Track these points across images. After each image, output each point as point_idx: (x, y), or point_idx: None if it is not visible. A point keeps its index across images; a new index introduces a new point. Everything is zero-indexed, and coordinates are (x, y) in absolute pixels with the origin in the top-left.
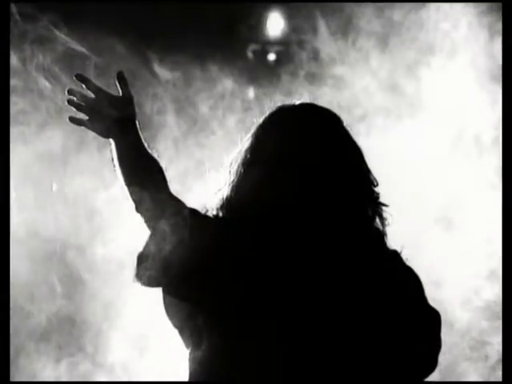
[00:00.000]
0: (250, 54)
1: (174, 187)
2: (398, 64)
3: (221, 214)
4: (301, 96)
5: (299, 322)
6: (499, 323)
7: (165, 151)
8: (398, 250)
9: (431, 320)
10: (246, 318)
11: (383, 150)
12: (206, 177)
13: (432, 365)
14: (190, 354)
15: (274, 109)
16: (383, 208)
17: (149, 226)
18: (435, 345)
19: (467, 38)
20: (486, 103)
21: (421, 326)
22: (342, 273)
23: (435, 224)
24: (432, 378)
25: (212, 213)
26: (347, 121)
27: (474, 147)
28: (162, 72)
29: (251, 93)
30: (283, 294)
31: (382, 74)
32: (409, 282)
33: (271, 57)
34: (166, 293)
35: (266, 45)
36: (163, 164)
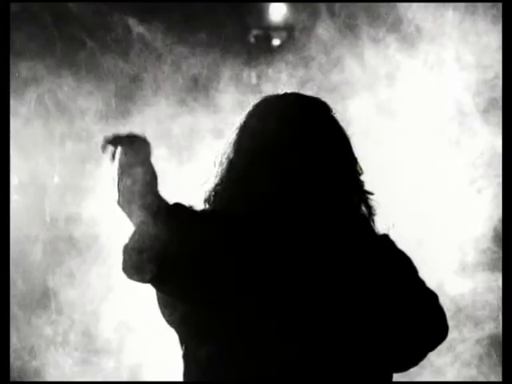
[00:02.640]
0: (252, 39)
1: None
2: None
3: (206, 207)
4: (301, 81)
5: (294, 316)
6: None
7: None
8: (388, 234)
9: (430, 299)
10: (237, 313)
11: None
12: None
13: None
14: (185, 353)
15: (258, 99)
16: (369, 196)
17: (132, 220)
18: (440, 323)
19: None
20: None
21: (421, 305)
22: (333, 261)
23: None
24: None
25: (197, 206)
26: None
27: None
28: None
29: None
30: (275, 288)
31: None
32: (401, 265)
33: (275, 42)
34: (154, 287)
35: (268, 30)
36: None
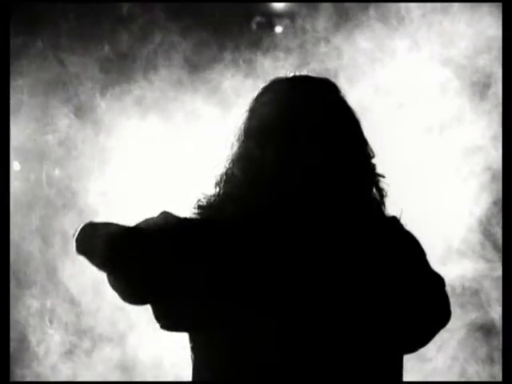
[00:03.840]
0: (254, 26)
1: None
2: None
3: (217, 191)
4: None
5: (302, 302)
6: None
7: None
8: (397, 216)
9: (437, 283)
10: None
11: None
12: None
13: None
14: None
15: (268, 82)
16: (380, 179)
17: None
18: (444, 308)
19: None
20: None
21: (427, 288)
22: (341, 244)
23: None
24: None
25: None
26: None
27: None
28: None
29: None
30: (279, 281)
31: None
32: (409, 247)
33: (278, 29)
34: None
35: (271, 17)
36: None
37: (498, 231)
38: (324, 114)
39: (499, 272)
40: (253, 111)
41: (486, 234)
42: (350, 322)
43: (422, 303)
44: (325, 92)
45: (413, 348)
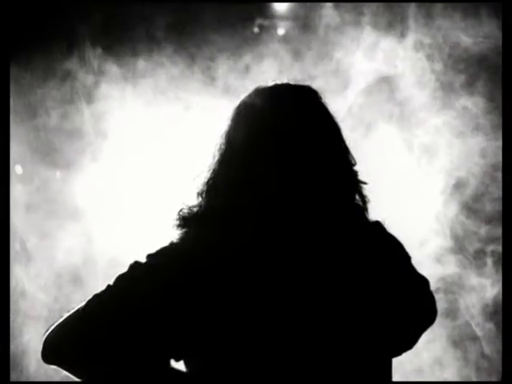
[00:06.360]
0: (256, 29)
1: None
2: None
3: (200, 201)
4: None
5: (293, 313)
6: None
7: None
8: (381, 221)
9: (422, 284)
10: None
11: None
12: None
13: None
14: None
15: (249, 91)
16: (362, 186)
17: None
18: (431, 307)
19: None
20: None
21: (413, 291)
22: (327, 253)
23: None
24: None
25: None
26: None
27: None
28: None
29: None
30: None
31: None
32: (393, 251)
33: (280, 31)
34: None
35: (273, 19)
36: None
37: (466, 236)
38: (305, 120)
39: (469, 277)
40: (234, 121)
41: (454, 238)
42: (339, 326)
43: (408, 304)
44: (306, 99)
45: (399, 350)
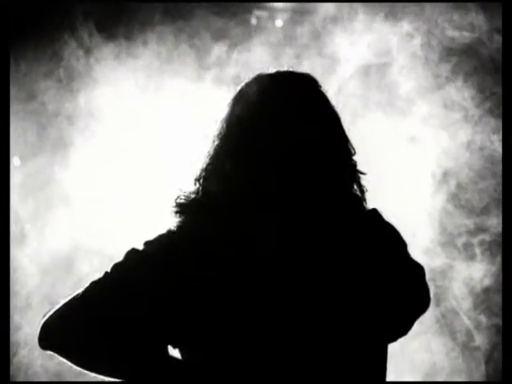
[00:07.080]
0: (254, 20)
1: None
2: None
3: (197, 187)
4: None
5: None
6: None
7: None
8: (376, 208)
9: (417, 271)
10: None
11: None
12: None
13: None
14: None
15: (250, 78)
16: (361, 176)
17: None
18: (424, 295)
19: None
20: None
21: (409, 278)
22: (324, 243)
23: None
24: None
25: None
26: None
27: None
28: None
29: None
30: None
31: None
32: (389, 239)
33: (278, 23)
34: None
35: (270, 11)
36: None
37: (452, 229)
38: (305, 107)
39: (458, 268)
40: (234, 106)
41: (442, 231)
42: (337, 312)
43: (404, 290)
44: (306, 87)
45: (395, 336)
